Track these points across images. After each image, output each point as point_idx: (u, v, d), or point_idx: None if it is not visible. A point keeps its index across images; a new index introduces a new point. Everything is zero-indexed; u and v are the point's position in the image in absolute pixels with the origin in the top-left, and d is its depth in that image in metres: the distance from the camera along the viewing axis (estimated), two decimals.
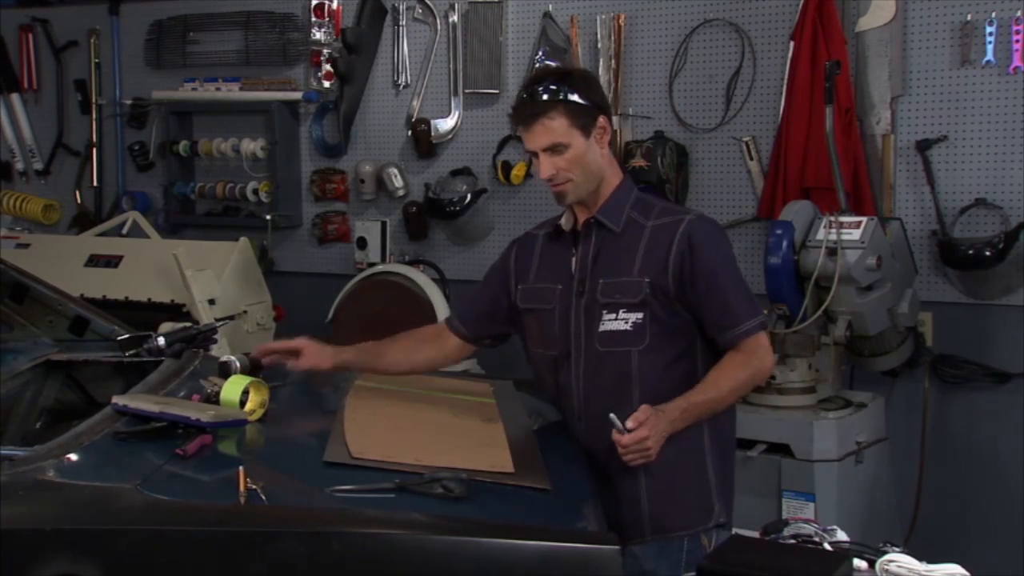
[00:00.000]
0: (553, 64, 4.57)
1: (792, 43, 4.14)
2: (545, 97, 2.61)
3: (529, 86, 2.67)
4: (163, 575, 2.10)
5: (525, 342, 2.87)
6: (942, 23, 3.97)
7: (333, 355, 2.90)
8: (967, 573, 1.87)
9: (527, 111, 2.64)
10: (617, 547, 2.09)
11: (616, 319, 2.63)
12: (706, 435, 2.66)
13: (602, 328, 2.64)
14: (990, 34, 3.87)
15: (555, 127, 2.60)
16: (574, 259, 2.72)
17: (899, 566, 1.88)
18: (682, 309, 2.62)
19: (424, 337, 3.00)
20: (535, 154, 2.65)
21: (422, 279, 4.57)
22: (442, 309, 4.46)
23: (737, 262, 2.69)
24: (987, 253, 3.84)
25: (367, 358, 2.94)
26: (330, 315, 4.63)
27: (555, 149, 2.62)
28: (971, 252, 3.88)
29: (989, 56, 3.89)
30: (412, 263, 4.78)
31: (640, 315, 2.61)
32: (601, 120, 2.65)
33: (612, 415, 2.46)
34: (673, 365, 2.63)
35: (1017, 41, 3.84)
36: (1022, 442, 3.97)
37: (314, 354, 2.87)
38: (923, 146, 4.01)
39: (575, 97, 2.62)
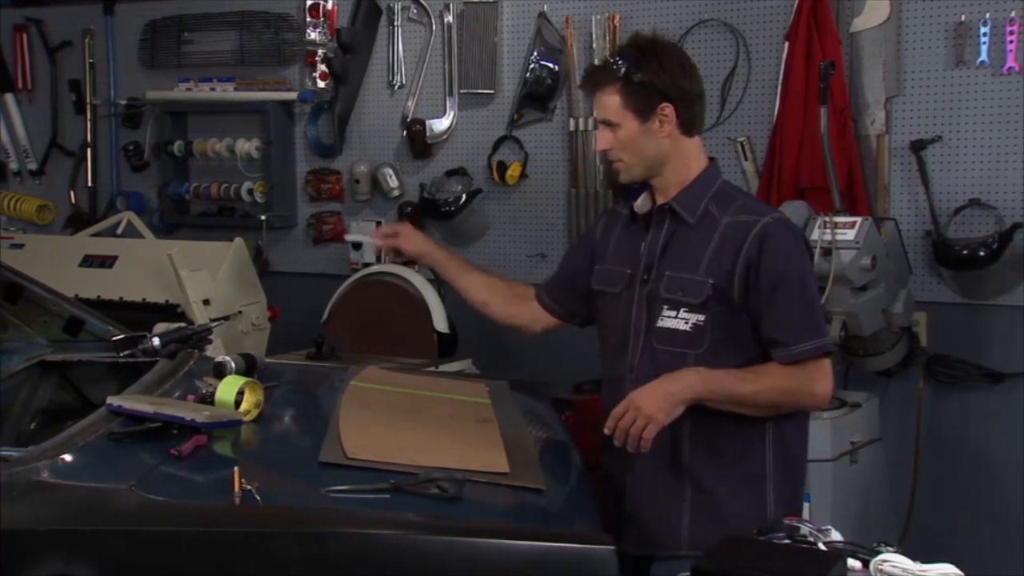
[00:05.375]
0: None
1: (787, 43, 4.14)
2: (609, 71, 2.53)
3: (615, 54, 2.59)
4: None
5: (597, 325, 2.74)
6: (936, 24, 3.98)
7: (429, 248, 2.93)
8: (961, 573, 1.87)
9: (587, 80, 2.60)
10: (612, 547, 2.09)
11: (676, 317, 2.49)
12: (769, 456, 2.51)
13: (660, 324, 2.51)
14: (984, 35, 3.87)
15: (607, 104, 2.53)
16: (644, 244, 2.59)
17: (893, 566, 1.88)
18: (747, 318, 2.46)
19: (517, 293, 2.92)
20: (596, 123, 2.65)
21: (417, 279, 4.56)
22: (437, 310, 4.45)
23: (813, 276, 2.52)
24: (981, 253, 3.85)
25: (455, 272, 2.91)
26: (325, 315, 4.62)
27: (608, 124, 2.55)
28: (965, 252, 3.89)
29: (983, 57, 3.89)
30: (407, 263, 4.77)
31: (701, 317, 2.47)
32: (664, 108, 2.51)
33: None
34: None
35: (1011, 42, 3.84)
36: (1017, 442, 3.97)
37: (414, 241, 2.92)
38: (917, 146, 4.01)
39: (639, 77, 2.49)
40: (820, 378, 2.45)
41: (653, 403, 2.36)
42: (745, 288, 2.44)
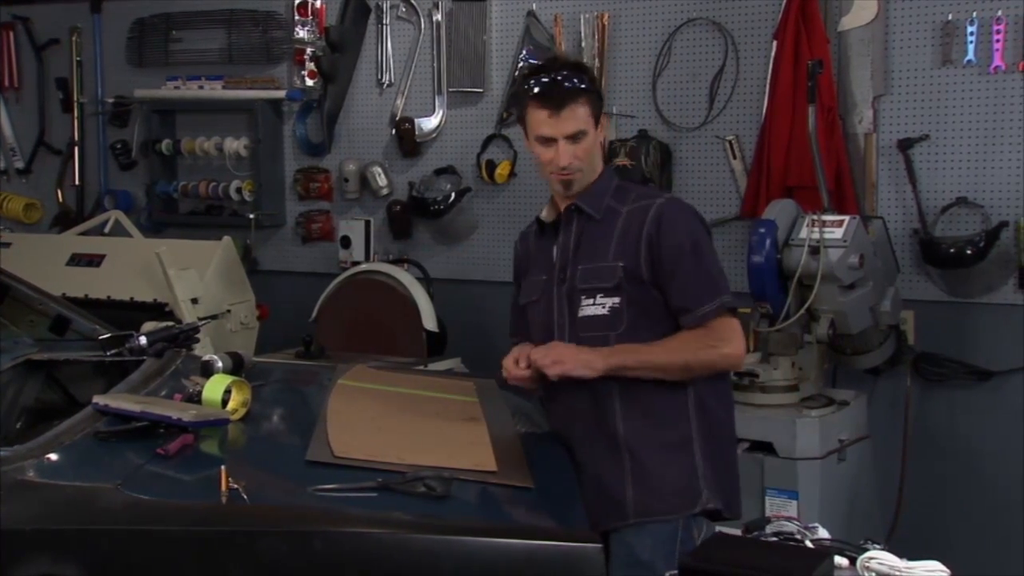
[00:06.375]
0: (533, 58, 4.58)
1: (775, 42, 4.14)
2: (576, 84, 2.63)
3: (554, 71, 2.66)
4: (144, 575, 2.10)
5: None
6: (924, 23, 3.99)
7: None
8: (947, 570, 1.88)
9: (559, 95, 2.62)
10: (599, 546, 2.09)
11: (594, 304, 2.64)
12: (693, 420, 2.64)
13: (581, 314, 2.66)
14: (971, 34, 3.88)
15: (581, 115, 2.63)
16: (555, 248, 2.74)
17: (880, 563, 1.89)
18: (658, 293, 2.63)
19: None
20: (548, 140, 2.64)
21: (406, 278, 4.56)
22: (426, 308, 4.45)
23: (709, 245, 2.68)
24: (968, 252, 3.86)
25: None
26: (314, 314, 4.62)
27: (576, 137, 2.63)
28: (952, 251, 3.90)
29: (970, 56, 3.90)
30: (396, 262, 4.78)
31: (617, 299, 2.62)
32: (604, 114, 2.74)
33: None
34: None
35: (998, 41, 3.85)
36: (1003, 440, 3.99)
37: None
38: (905, 145, 4.02)
39: (595, 87, 2.69)
40: (729, 337, 2.62)
41: (570, 357, 2.56)
42: (651, 264, 2.61)
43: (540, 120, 2.64)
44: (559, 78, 2.63)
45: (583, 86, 2.64)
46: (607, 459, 2.63)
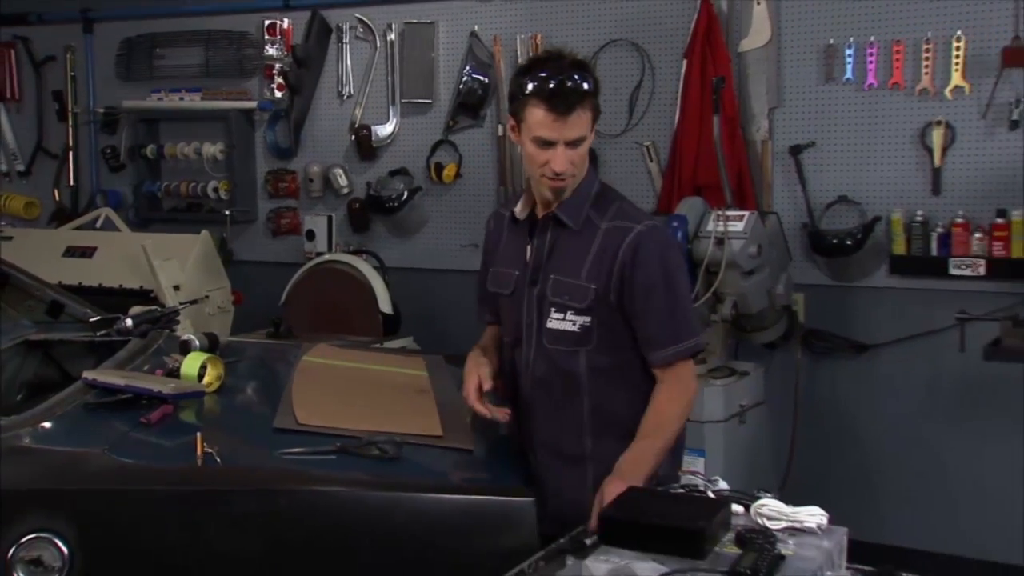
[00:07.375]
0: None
1: (685, 61, 4.16)
2: (582, 86, 2.19)
3: (560, 70, 2.19)
4: (129, 530, 2.08)
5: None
6: (810, 45, 4.02)
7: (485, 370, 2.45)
8: (825, 514, 1.90)
9: (566, 99, 2.17)
10: (532, 499, 2.10)
11: (564, 319, 2.31)
12: None
13: (549, 325, 2.33)
14: (849, 56, 3.92)
15: (584, 120, 2.20)
16: (529, 248, 2.37)
17: (770, 509, 1.91)
18: (623, 319, 2.30)
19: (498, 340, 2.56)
20: (547, 143, 2.21)
21: (364, 267, 4.53)
22: (382, 293, 4.42)
23: (683, 281, 2.32)
24: (848, 242, 3.91)
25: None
26: (282, 299, 4.57)
27: (576, 143, 2.21)
28: (835, 241, 3.95)
29: (848, 74, 3.94)
30: (355, 253, 4.74)
31: (587, 319, 2.29)
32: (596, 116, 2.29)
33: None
34: (621, 363, 2.33)
35: (871, 62, 3.90)
36: (877, 403, 4.06)
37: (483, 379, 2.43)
38: (795, 151, 4.06)
39: (596, 89, 2.24)
40: (688, 383, 2.32)
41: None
42: (619, 293, 2.28)
43: (542, 121, 2.19)
44: (566, 78, 2.17)
45: (588, 88, 2.20)
46: (569, 476, 2.35)
